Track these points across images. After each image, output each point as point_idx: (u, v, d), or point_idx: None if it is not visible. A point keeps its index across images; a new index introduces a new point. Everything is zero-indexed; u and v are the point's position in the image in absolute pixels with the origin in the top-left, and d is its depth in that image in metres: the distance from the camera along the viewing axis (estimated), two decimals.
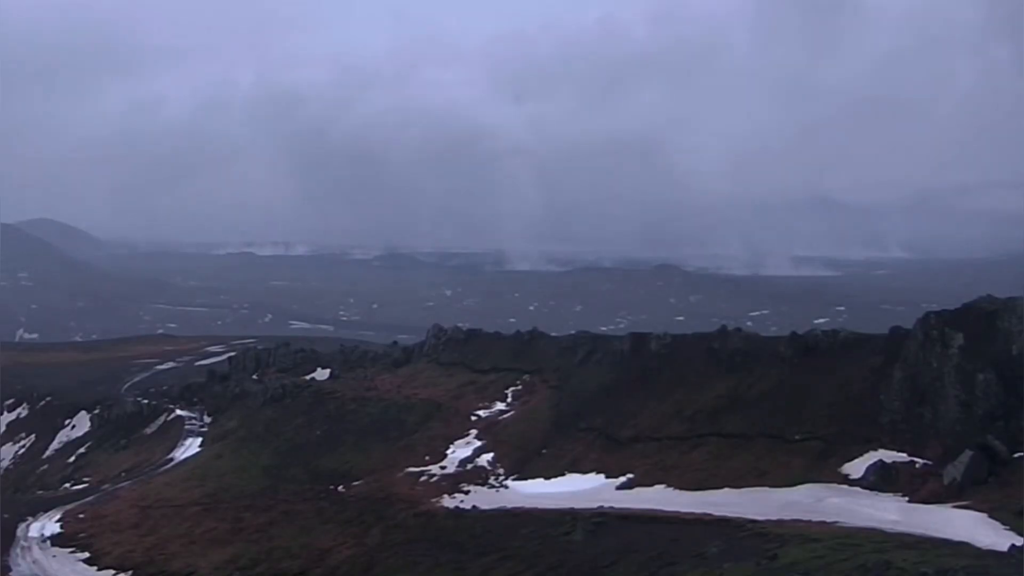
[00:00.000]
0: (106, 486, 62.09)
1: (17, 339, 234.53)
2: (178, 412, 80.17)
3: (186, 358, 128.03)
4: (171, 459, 66.05)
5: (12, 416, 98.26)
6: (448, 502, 43.51)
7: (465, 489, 45.73)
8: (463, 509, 41.31)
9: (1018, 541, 22.59)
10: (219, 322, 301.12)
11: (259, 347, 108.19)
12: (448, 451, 53.51)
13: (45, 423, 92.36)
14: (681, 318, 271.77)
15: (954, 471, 31.37)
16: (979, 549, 22.79)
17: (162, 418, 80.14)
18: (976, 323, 36.45)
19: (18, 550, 45.26)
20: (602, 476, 43.47)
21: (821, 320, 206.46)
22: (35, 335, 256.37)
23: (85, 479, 69.13)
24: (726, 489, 36.76)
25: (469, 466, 50.55)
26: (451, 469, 50.50)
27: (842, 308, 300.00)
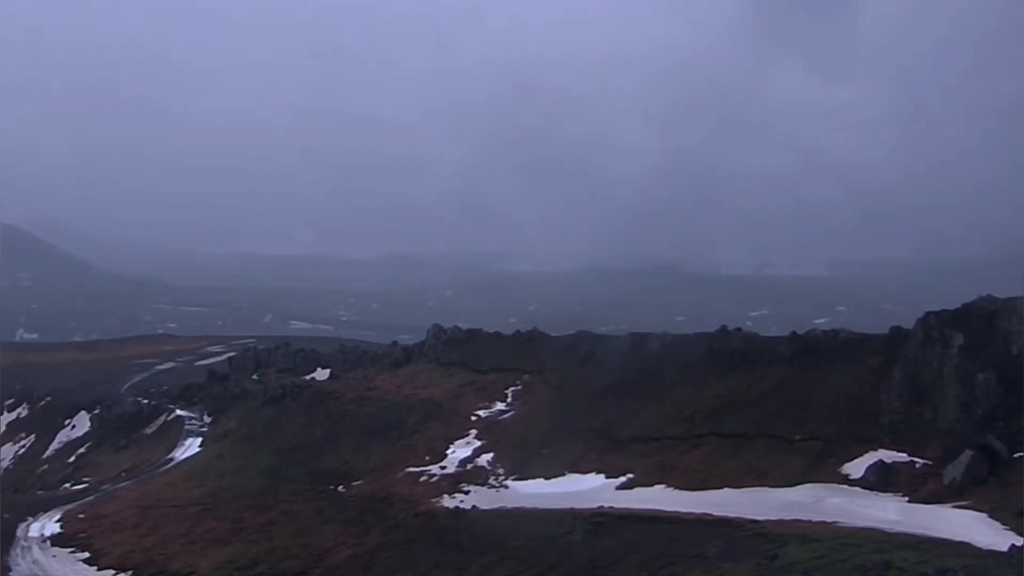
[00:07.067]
0: (106, 486, 62.09)
1: (17, 339, 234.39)
2: (178, 412, 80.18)
3: (186, 358, 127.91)
4: (171, 459, 66.06)
5: (12, 416, 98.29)
6: (448, 502, 43.51)
7: (465, 489, 45.71)
8: (463, 509, 41.31)
9: (1018, 541, 22.61)
10: (219, 322, 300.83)
11: (259, 347, 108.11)
12: (448, 451, 53.47)
13: (45, 423, 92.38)
14: (681, 318, 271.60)
15: (954, 471, 31.37)
16: (979, 549, 22.80)
17: (162, 418, 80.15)
18: (976, 323, 36.44)
19: (18, 550, 45.27)
20: (602, 476, 43.43)
21: (821, 320, 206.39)
22: (35, 335, 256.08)
23: (85, 479, 69.10)
24: (726, 489, 36.75)
25: (469, 466, 50.52)
26: (451, 469, 50.47)
27: (842, 308, 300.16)
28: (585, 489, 41.84)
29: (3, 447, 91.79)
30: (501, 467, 49.18)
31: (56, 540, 47.00)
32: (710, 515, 31.75)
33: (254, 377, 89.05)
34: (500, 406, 60.24)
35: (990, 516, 27.09)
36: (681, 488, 38.62)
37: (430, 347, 78.81)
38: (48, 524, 50.26)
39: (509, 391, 62.24)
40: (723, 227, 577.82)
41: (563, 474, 45.38)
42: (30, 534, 48.29)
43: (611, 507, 35.82)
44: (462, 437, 55.44)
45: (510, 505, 41.42)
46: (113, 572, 41.38)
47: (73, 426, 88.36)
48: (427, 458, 52.93)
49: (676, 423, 45.69)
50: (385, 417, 61.48)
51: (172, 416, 79.44)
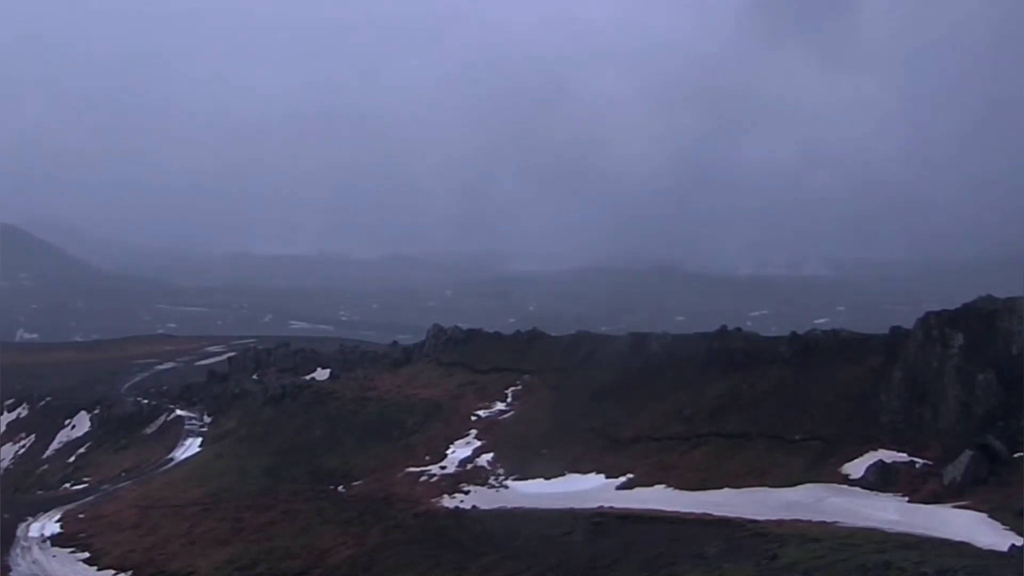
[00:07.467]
0: (106, 486, 62.11)
1: (17, 339, 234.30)
2: (178, 412, 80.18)
3: (186, 358, 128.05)
4: (171, 459, 66.07)
5: (12, 416, 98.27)
6: (448, 502, 43.54)
7: (465, 489, 45.74)
8: (463, 509, 41.34)
9: (1018, 541, 22.61)
10: (219, 322, 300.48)
11: (259, 347, 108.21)
12: (448, 451, 53.51)
13: (45, 423, 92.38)
14: (681, 318, 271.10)
15: (954, 471, 31.38)
16: (979, 549, 22.80)
17: (162, 418, 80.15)
18: (976, 323, 36.47)
19: (18, 550, 45.29)
20: (602, 476, 43.46)
21: (821, 320, 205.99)
22: (35, 335, 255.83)
23: (85, 479, 69.12)
24: (726, 489, 36.77)
25: (469, 466, 50.56)
26: (451, 469, 50.51)
27: (842, 308, 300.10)
28: (585, 489, 41.86)
29: (3, 447, 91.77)
30: (501, 467, 49.20)
31: (56, 540, 47.02)
32: (710, 515, 31.76)
33: (254, 377, 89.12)
34: (500, 406, 60.28)
35: (990, 516, 27.08)
36: (681, 488, 38.63)
37: (430, 347, 78.85)
38: (48, 524, 50.28)
39: (509, 391, 62.28)
40: (723, 226, 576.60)
41: (563, 474, 45.40)
42: (30, 534, 48.32)
43: (611, 507, 35.82)
44: (462, 437, 55.47)
45: (510, 505, 41.42)
46: (113, 572, 41.39)
47: (73, 426, 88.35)
48: (427, 458, 52.96)
49: (676, 423, 45.71)
50: (385, 417, 61.53)
51: (172, 416, 79.44)
